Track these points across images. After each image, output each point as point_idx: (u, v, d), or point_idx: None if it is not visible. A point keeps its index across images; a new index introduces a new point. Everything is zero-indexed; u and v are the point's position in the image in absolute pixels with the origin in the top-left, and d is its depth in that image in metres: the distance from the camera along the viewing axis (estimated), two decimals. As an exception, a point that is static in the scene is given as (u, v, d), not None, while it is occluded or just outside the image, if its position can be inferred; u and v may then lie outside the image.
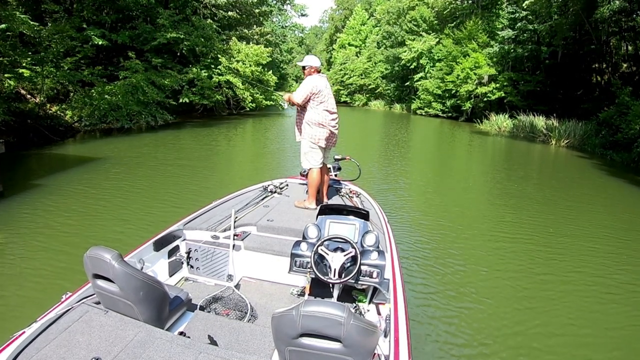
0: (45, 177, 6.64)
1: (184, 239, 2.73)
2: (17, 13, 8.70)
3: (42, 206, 5.07)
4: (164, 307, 1.87)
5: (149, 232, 3.29)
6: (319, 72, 3.31)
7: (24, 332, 1.58)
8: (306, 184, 3.72)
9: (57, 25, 11.11)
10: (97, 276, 1.72)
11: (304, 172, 3.89)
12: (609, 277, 3.99)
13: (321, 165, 3.38)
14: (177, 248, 2.65)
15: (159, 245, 2.46)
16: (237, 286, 2.63)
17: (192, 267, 2.69)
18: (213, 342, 1.83)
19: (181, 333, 1.89)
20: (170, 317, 1.95)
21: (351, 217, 2.50)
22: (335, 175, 4.00)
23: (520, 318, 3.18)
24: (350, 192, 3.73)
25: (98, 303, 1.83)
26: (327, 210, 2.56)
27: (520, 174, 9.71)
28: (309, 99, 3.22)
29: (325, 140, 3.31)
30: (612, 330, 3.06)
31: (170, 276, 2.60)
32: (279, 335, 1.42)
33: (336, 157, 4.12)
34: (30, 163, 7.90)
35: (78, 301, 1.81)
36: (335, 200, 3.56)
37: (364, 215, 2.50)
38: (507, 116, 19.59)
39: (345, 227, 2.43)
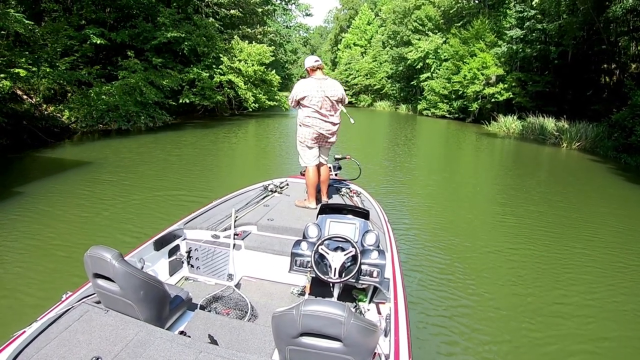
0: (42, 178, 6.63)
1: (185, 239, 2.74)
2: (12, 11, 8.47)
3: (41, 207, 5.09)
4: (164, 307, 1.87)
5: (149, 232, 3.31)
6: (318, 69, 3.28)
7: (24, 331, 1.59)
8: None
9: (53, 23, 10.98)
10: (98, 275, 1.73)
11: (304, 171, 3.89)
12: (624, 290, 3.86)
13: (315, 163, 3.39)
14: (177, 247, 2.66)
15: (159, 245, 2.47)
16: (238, 285, 2.64)
17: (192, 266, 2.70)
18: (213, 341, 1.83)
19: (181, 332, 1.90)
20: (171, 317, 1.95)
21: (351, 216, 2.50)
22: (336, 175, 3.99)
23: (521, 319, 3.15)
24: (351, 191, 3.72)
25: (98, 302, 1.83)
26: (327, 210, 2.56)
27: (530, 177, 9.57)
28: (298, 101, 3.26)
29: (311, 140, 3.32)
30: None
31: (171, 275, 2.61)
32: (279, 335, 1.42)
33: (336, 156, 4.12)
34: (26, 165, 7.82)
35: (78, 300, 1.82)
36: (336, 199, 3.56)
37: (364, 214, 2.49)
38: (515, 117, 19.35)
39: (346, 227, 2.43)
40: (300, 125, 3.31)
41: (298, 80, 3.44)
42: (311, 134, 3.29)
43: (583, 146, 14.25)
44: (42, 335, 1.59)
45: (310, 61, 3.28)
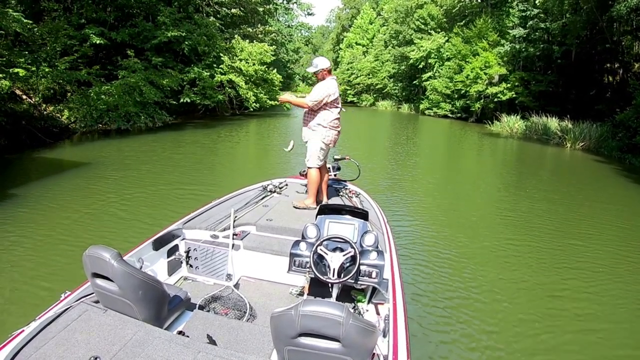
0: (41, 179, 6.61)
1: (183, 238, 2.74)
2: (10, 10, 8.41)
3: (40, 207, 5.10)
4: (163, 306, 1.88)
5: (149, 231, 3.31)
6: (330, 72, 3.30)
7: (23, 330, 1.59)
8: (306, 184, 3.72)
9: (52, 23, 10.93)
10: (96, 275, 1.73)
11: (304, 171, 3.89)
12: (621, 285, 3.87)
13: (322, 164, 3.41)
14: (176, 247, 2.66)
15: (158, 245, 2.47)
16: (236, 285, 2.64)
17: (191, 266, 2.70)
18: (212, 341, 1.83)
19: (180, 332, 1.89)
20: (169, 317, 1.95)
21: (350, 217, 2.49)
22: (335, 175, 3.99)
23: (520, 320, 3.14)
24: (350, 192, 3.72)
25: (97, 302, 1.84)
26: (326, 210, 2.55)
27: (533, 177, 9.51)
28: (325, 102, 3.23)
29: (334, 142, 3.40)
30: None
31: (170, 275, 2.61)
32: (277, 335, 1.42)
33: (336, 157, 4.12)
34: (25, 166, 7.76)
35: (77, 300, 1.82)
36: (335, 200, 3.56)
37: (363, 215, 2.49)
38: (518, 117, 19.25)
39: (345, 227, 2.42)
40: (327, 128, 3.29)
41: (314, 82, 3.43)
42: (334, 135, 3.36)
43: (587, 146, 14.15)
44: (40, 335, 1.59)
45: (328, 62, 3.29)
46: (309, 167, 3.35)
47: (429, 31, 29.63)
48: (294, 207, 3.19)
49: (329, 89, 3.19)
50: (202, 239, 2.74)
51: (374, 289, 2.34)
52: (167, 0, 16.06)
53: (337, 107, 3.28)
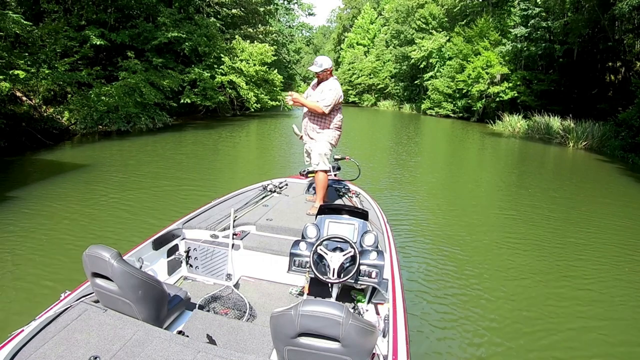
0: (42, 180, 6.61)
1: (183, 238, 2.74)
2: (10, 12, 8.43)
3: (41, 207, 5.10)
4: (162, 306, 1.87)
5: (150, 231, 3.32)
6: (332, 72, 3.28)
7: (22, 330, 1.59)
8: (307, 184, 3.71)
9: (51, 24, 10.91)
10: (96, 275, 1.73)
11: (304, 171, 3.88)
12: (618, 279, 3.87)
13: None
14: (176, 247, 2.66)
15: (158, 244, 2.47)
16: (236, 285, 2.64)
17: (191, 266, 2.71)
18: (212, 341, 1.82)
19: (180, 332, 1.89)
20: (169, 316, 1.95)
21: (350, 216, 2.49)
22: (335, 175, 3.98)
23: (519, 320, 3.13)
24: (350, 192, 3.71)
25: (97, 302, 1.84)
26: (326, 210, 2.55)
27: (535, 177, 9.47)
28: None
29: (337, 142, 3.40)
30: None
31: (169, 275, 2.61)
32: (277, 335, 1.42)
33: (336, 156, 4.10)
34: (25, 167, 7.74)
35: (77, 300, 1.82)
36: (335, 200, 3.55)
37: (363, 215, 2.48)
38: (520, 117, 19.20)
39: (345, 227, 2.42)
40: (332, 129, 3.30)
41: (313, 82, 3.41)
42: (338, 135, 3.37)
43: (589, 145, 14.09)
44: (40, 334, 1.58)
45: (331, 62, 3.26)
46: (319, 171, 3.23)
47: (430, 31, 29.62)
48: (308, 214, 3.07)
49: (338, 91, 3.18)
50: (202, 238, 2.74)
51: (374, 289, 2.33)
52: (167, 1, 16.09)
53: (341, 108, 3.30)
